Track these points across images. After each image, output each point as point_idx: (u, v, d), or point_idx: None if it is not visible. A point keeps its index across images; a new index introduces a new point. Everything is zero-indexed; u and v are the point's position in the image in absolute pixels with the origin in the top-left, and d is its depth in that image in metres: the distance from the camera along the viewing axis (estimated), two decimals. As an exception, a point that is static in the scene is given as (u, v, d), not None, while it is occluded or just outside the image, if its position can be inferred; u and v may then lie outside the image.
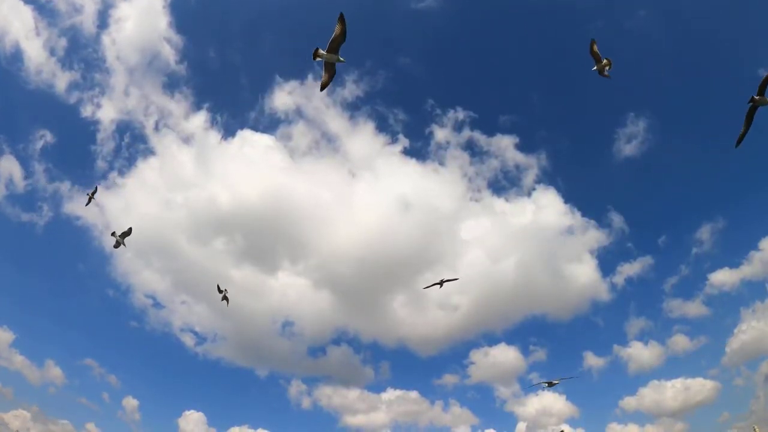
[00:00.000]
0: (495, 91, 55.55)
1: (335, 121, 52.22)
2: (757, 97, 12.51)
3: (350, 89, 51.40)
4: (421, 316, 47.28)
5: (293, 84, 51.83)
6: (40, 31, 45.38)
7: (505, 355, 46.13)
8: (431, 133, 51.36)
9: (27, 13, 44.82)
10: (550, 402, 42.87)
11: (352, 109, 52.45)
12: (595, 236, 48.05)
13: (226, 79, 54.64)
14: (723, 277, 43.16)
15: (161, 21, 48.21)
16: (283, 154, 50.23)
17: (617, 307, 47.19)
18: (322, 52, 12.73)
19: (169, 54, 49.00)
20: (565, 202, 48.77)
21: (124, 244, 23.69)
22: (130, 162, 48.73)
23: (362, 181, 51.03)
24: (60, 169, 47.05)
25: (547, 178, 50.63)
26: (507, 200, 51.04)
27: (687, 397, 39.95)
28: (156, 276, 47.49)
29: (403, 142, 50.51)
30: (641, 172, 51.98)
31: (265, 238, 47.89)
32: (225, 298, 27.25)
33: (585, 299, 46.91)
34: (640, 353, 43.64)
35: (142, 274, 46.91)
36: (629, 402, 41.93)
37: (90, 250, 47.90)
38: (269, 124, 52.98)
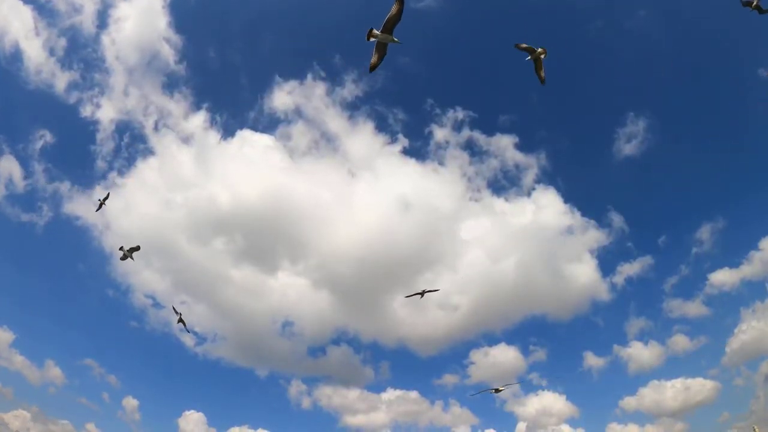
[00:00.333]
0: (494, 91, 55.61)
1: (335, 121, 52.00)
2: None
3: (350, 89, 51.25)
4: (421, 316, 47.05)
5: (293, 84, 51.62)
6: (39, 31, 45.44)
7: (505, 355, 46.34)
8: (431, 133, 51.36)
9: (27, 13, 45.03)
10: (550, 402, 43.10)
11: (352, 108, 52.21)
12: (595, 236, 48.47)
13: (225, 79, 54.41)
14: (723, 277, 43.89)
15: (161, 21, 48.01)
16: (283, 154, 49.95)
17: (617, 307, 47.69)
18: (376, 32, 12.05)
19: (169, 54, 48.89)
20: (565, 201, 49.12)
21: (132, 258, 23.73)
22: (130, 162, 48.68)
23: (362, 181, 50.81)
24: (60, 169, 47.14)
25: (547, 177, 50.97)
26: (507, 200, 51.22)
27: (687, 397, 40.51)
28: (156, 276, 47.18)
29: (403, 141, 50.46)
30: (641, 172, 52.63)
31: (264, 238, 47.61)
32: (181, 320, 27.31)
33: (585, 299, 47.33)
34: (640, 353, 44.14)
35: (141, 274, 46.41)
36: (629, 402, 42.37)
37: (90, 250, 47.97)
38: (269, 124, 52.80)
